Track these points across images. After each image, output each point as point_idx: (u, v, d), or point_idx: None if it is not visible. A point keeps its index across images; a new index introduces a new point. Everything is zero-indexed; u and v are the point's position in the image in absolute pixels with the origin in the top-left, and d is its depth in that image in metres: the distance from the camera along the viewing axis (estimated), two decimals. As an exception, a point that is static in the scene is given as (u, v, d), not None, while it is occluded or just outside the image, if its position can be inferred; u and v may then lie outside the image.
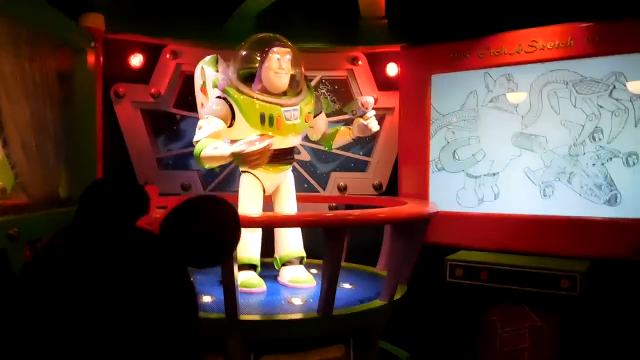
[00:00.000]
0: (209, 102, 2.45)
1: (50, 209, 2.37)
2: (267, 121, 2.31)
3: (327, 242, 2.04)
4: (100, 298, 0.70)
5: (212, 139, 2.27)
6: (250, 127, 2.33)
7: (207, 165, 2.36)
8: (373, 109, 2.55)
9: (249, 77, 2.46)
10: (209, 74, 2.53)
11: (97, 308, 0.69)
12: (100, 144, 2.84)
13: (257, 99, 2.34)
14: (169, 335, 0.74)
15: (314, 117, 2.59)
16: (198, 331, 0.80)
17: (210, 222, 0.86)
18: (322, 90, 3.48)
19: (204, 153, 2.23)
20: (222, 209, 0.88)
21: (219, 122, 2.31)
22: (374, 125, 2.53)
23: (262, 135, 2.28)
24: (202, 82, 2.60)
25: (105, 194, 0.90)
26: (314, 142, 3.31)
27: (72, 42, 2.60)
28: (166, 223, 0.85)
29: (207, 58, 2.61)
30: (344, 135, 2.66)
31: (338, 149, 2.98)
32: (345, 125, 2.79)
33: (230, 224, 0.88)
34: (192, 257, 0.84)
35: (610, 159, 2.69)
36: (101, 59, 2.84)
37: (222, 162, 2.33)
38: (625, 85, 2.65)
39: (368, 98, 2.54)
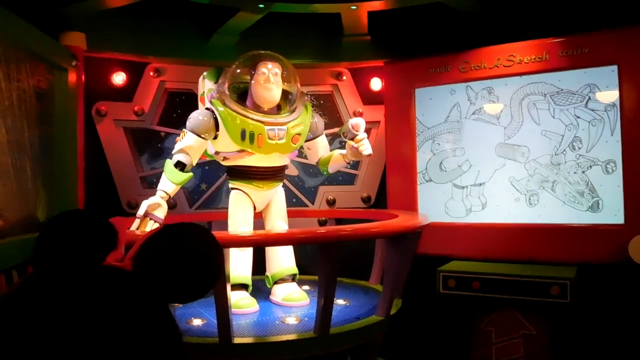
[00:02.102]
0: (194, 113, 2.43)
1: (28, 233, 2.27)
2: (247, 138, 2.29)
3: (322, 259, 2.02)
4: (74, 351, 0.61)
5: (183, 153, 2.35)
6: (232, 141, 2.32)
7: None
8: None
9: (243, 95, 2.44)
10: (207, 86, 2.53)
11: (72, 355, 0.60)
12: (81, 163, 2.75)
13: (240, 114, 2.32)
14: None
15: (310, 140, 2.56)
16: None
17: (187, 253, 0.77)
18: (311, 107, 3.48)
19: (163, 172, 2.38)
20: (199, 237, 0.79)
21: (193, 138, 2.34)
22: (365, 149, 2.40)
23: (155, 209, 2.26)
24: (202, 92, 2.60)
25: (65, 231, 0.80)
26: (302, 157, 3.31)
27: (52, 60, 2.52)
28: (139, 258, 0.75)
29: (211, 69, 2.60)
30: (339, 160, 2.56)
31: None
32: (333, 137, 2.79)
33: (210, 253, 0.79)
34: (171, 293, 0.74)
35: (590, 167, 2.78)
36: (83, 77, 2.77)
37: None
38: (598, 97, 2.76)
39: (358, 120, 2.42)
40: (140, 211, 2.26)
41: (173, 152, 2.40)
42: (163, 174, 2.37)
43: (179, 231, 0.80)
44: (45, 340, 0.62)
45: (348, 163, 2.58)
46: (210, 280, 0.80)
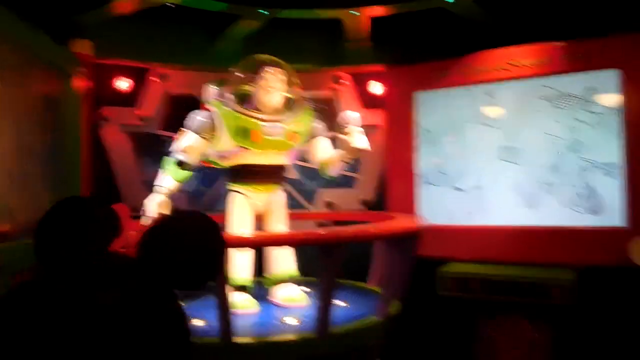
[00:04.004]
0: (194, 113, 2.47)
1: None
2: (243, 133, 2.35)
3: (322, 261, 2.04)
4: (86, 336, 0.63)
5: (183, 152, 2.39)
6: (230, 138, 2.37)
7: None
8: (360, 125, 2.51)
9: (245, 99, 2.48)
10: (212, 92, 2.58)
11: (83, 346, 0.63)
12: (87, 168, 2.81)
13: (238, 111, 2.37)
14: None
15: (310, 141, 2.57)
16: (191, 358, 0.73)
17: (191, 239, 0.78)
18: (311, 111, 3.52)
19: (162, 170, 2.42)
20: (201, 224, 0.81)
21: (192, 137, 2.38)
22: (354, 140, 2.33)
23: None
24: (206, 100, 2.65)
25: (69, 218, 0.81)
26: (301, 160, 3.32)
27: (60, 67, 2.59)
28: (144, 244, 0.76)
29: (218, 79, 2.66)
30: (337, 160, 2.50)
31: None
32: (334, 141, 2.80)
33: (213, 238, 0.80)
34: (176, 278, 0.75)
35: (591, 169, 2.78)
36: (90, 83, 2.83)
37: None
38: (599, 100, 2.76)
39: (348, 112, 2.41)
40: (152, 211, 2.29)
41: (172, 149, 2.44)
42: (161, 170, 2.40)
43: (181, 218, 0.82)
44: (55, 325, 0.64)
45: (346, 162, 2.53)
46: (213, 265, 0.81)
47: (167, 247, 0.77)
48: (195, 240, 0.79)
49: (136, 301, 0.69)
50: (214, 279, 0.86)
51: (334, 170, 2.64)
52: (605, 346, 2.75)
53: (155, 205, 2.32)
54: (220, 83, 2.62)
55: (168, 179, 2.34)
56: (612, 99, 2.73)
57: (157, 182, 2.35)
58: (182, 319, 0.74)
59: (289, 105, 2.48)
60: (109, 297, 0.67)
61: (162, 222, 0.80)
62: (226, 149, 2.42)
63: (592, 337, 2.77)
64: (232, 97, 2.43)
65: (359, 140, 2.37)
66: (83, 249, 0.78)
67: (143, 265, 0.75)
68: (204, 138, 2.39)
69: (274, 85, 2.36)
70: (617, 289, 2.74)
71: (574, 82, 2.83)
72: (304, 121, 2.47)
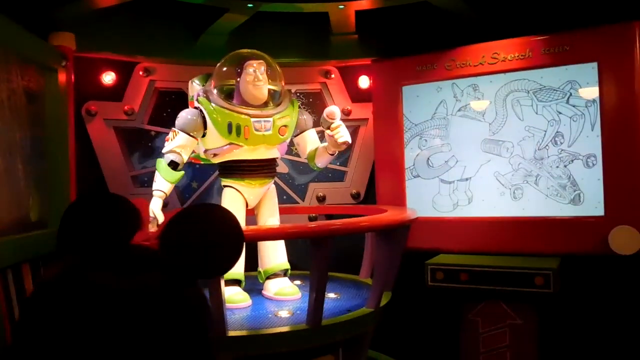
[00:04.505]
0: (183, 112, 2.47)
1: (21, 233, 2.28)
2: (234, 130, 2.35)
3: (313, 253, 2.07)
4: (112, 327, 0.66)
5: (175, 153, 2.40)
6: (220, 136, 2.37)
7: None
8: (347, 120, 2.55)
9: (230, 94, 2.49)
10: (196, 88, 2.57)
11: (109, 337, 0.65)
12: (73, 163, 2.76)
13: (227, 108, 2.38)
14: (186, 355, 0.70)
15: (298, 134, 2.61)
16: (213, 346, 0.76)
17: (212, 230, 0.81)
18: (298, 104, 3.53)
19: (157, 171, 2.43)
20: (219, 215, 0.84)
21: (184, 137, 2.39)
22: (341, 136, 2.41)
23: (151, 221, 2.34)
24: (191, 97, 2.65)
25: (91, 212, 0.83)
26: (291, 154, 3.35)
27: (42, 61, 2.53)
28: (165, 237, 0.79)
29: (200, 75, 2.65)
30: (323, 153, 2.58)
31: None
32: (322, 134, 2.83)
33: (232, 229, 0.84)
34: (198, 268, 0.78)
35: (572, 161, 2.87)
36: (72, 77, 2.78)
37: None
38: (579, 93, 2.85)
39: (332, 108, 2.46)
40: (160, 215, 2.34)
41: (164, 151, 2.44)
42: (157, 173, 2.40)
43: (200, 210, 0.85)
44: (81, 319, 0.66)
45: (331, 154, 2.58)
46: (234, 254, 0.84)
47: (188, 238, 0.79)
48: (214, 230, 0.82)
49: (160, 291, 0.71)
50: (232, 266, 0.90)
51: (322, 162, 2.69)
52: (587, 331, 2.88)
53: (160, 210, 2.35)
54: (204, 79, 2.62)
55: (163, 183, 2.36)
56: (591, 92, 2.81)
57: (155, 186, 2.37)
58: (206, 308, 0.77)
59: (275, 98, 2.51)
60: (133, 289, 0.69)
61: (181, 214, 0.82)
62: (216, 146, 2.44)
63: (575, 323, 2.89)
64: (217, 92, 2.44)
65: (344, 135, 2.43)
66: (106, 242, 0.79)
67: (165, 257, 0.77)
68: (194, 137, 2.41)
69: (258, 78, 2.36)
70: (598, 275, 2.85)
71: (555, 75, 2.90)
72: (292, 114, 2.50)
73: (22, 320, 0.70)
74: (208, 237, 0.81)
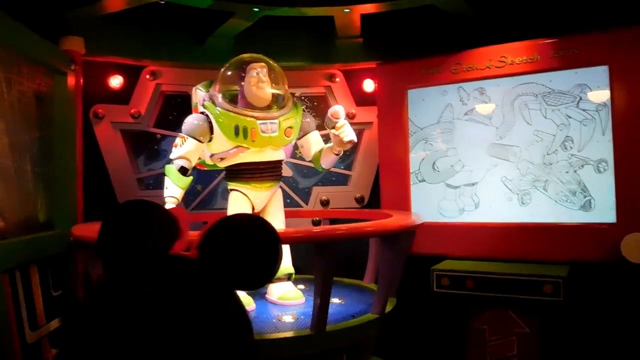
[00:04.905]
0: (189, 117, 2.47)
1: (29, 234, 2.30)
2: (241, 133, 2.36)
3: (317, 258, 2.05)
4: (158, 338, 0.65)
5: (184, 159, 2.40)
6: (227, 139, 2.38)
7: None
8: (351, 123, 2.55)
9: (234, 98, 2.50)
10: (200, 95, 2.59)
11: (155, 347, 0.65)
12: (80, 166, 2.79)
13: (233, 111, 2.39)
14: None
15: (302, 137, 2.61)
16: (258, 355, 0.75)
17: (252, 241, 0.81)
18: (302, 107, 3.53)
19: (166, 177, 2.43)
20: (259, 226, 0.84)
21: (192, 142, 2.39)
22: (345, 135, 2.41)
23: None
24: (195, 103, 2.66)
25: (130, 221, 0.82)
26: (295, 158, 3.34)
27: (52, 65, 2.56)
28: (204, 247, 0.78)
29: (203, 82, 2.67)
30: (328, 153, 2.59)
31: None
32: (327, 138, 2.82)
33: (272, 241, 0.83)
34: (237, 279, 0.78)
35: (582, 166, 2.82)
36: (81, 81, 2.81)
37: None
38: (589, 97, 2.80)
39: (336, 107, 2.46)
40: None
41: (172, 157, 2.43)
42: (167, 180, 2.40)
43: (240, 220, 0.84)
44: (123, 328, 0.66)
45: (337, 154, 2.59)
46: (273, 265, 0.83)
47: (228, 248, 0.79)
48: (254, 241, 0.82)
49: (200, 302, 0.71)
50: (272, 278, 0.89)
51: (328, 163, 2.69)
52: (596, 341, 2.81)
53: None
54: (207, 85, 2.64)
55: (175, 189, 2.37)
56: (601, 96, 2.76)
57: (167, 192, 2.38)
58: (245, 319, 0.76)
59: (279, 101, 2.52)
60: (173, 299, 0.69)
61: (220, 224, 0.82)
62: (223, 150, 2.44)
63: (584, 332, 2.82)
64: (222, 97, 2.46)
65: (349, 134, 2.43)
66: (145, 251, 0.79)
67: (205, 267, 0.77)
68: (201, 142, 2.42)
69: (261, 80, 2.38)
70: (609, 284, 2.79)
71: (565, 79, 2.86)
72: (296, 116, 2.50)
73: (73, 328, 0.71)
74: (248, 249, 0.81)
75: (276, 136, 2.41)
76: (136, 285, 0.70)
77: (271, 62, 2.52)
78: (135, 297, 0.68)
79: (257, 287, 0.83)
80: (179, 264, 0.76)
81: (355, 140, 2.47)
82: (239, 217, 0.86)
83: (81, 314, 0.71)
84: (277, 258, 0.84)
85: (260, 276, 0.82)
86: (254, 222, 0.85)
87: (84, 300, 0.73)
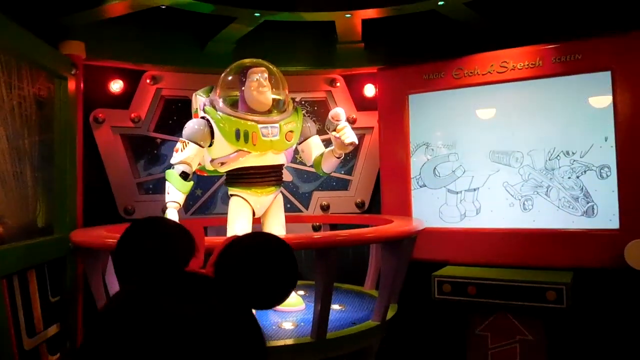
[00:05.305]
0: (190, 122, 2.46)
1: (28, 239, 2.28)
2: (242, 137, 2.36)
3: (318, 264, 2.03)
4: (174, 355, 0.64)
5: (185, 164, 2.39)
6: (228, 143, 2.37)
7: None
8: (352, 126, 2.53)
9: (235, 103, 2.49)
10: (200, 101, 2.59)
11: None
12: (80, 170, 2.77)
13: (234, 115, 2.39)
14: None
15: (303, 141, 2.60)
16: None
17: (267, 259, 0.79)
18: (302, 112, 3.52)
19: (167, 182, 2.41)
20: (275, 244, 0.83)
21: (194, 147, 2.39)
22: (347, 137, 2.39)
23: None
24: (195, 109, 2.66)
25: (145, 239, 0.82)
26: (296, 162, 3.32)
27: (52, 69, 2.55)
28: (221, 264, 0.76)
29: (203, 88, 2.67)
30: (330, 157, 2.56)
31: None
32: (328, 143, 2.81)
33: (288, 260, 0.82)
34: (253, 298, 0.76)
35: (585, 172, 2.80)
36: (82, 85, 2.80)
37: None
38: (592, 102, 2.79)
39: (337, 110, 2.45)
40: None
41: (173, 162, 2.42)
42: (169, 185, 2.38)
43: (256, 239, 0.83)
44: (145, 345, 0.64)
45: (338, 157, 2.55)
46: (290, 284, 0.82)
47: (243, 266, 0.78)
48: (271, 261, 0.81)
49: (216, 320, 0.70)
50: (288, 296, 0.88)
51: (329, 167, 2.67)
52: (600, 348, 2.78)
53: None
54: (207, 91, 2.64)
55: (177, 194, 2.35)
56: (604, 101, 2.75)
57: (169, 198, 2.36)
58: (261, 338, 0.75)
59: (279, 106, 2.51)
60: (189, 317, 0.67)
61: (236, 242, 0.81)
62: (224, 154, 2.43)
63: (587, 339, 2.79)
64: (223, 102, 2.46)
65: (350, 136, 2.41)
66: (161, 268, 0.77)
67: (221, 285, 0.75)
68: (202, 146, 2.41)
69: (262, 84, 2.38)
70: (612, 291, 2.76)
71: (566, 84, 2.85)
72: (297, 120, 2.49)
73: (89, 344, 0.70)
74: (264, 268, 0.79)
75: (277, 140, 2.41)
76: (153, 302, 0.70)
77: (272, 67, 2.52)
78: (152, 314, 0.68)
79: (273, 306, 0.82)
80: (195, 282, 0.75)
81: (357, 142, 2.46)
82: (256, 236, 0.85)
83: (98, 329, 0.70)
84: (294, 278, 0.83)
85: (277, 296, 0.81)
86: (271, 242, 0.83)
87: (100, 315, 0.72)
